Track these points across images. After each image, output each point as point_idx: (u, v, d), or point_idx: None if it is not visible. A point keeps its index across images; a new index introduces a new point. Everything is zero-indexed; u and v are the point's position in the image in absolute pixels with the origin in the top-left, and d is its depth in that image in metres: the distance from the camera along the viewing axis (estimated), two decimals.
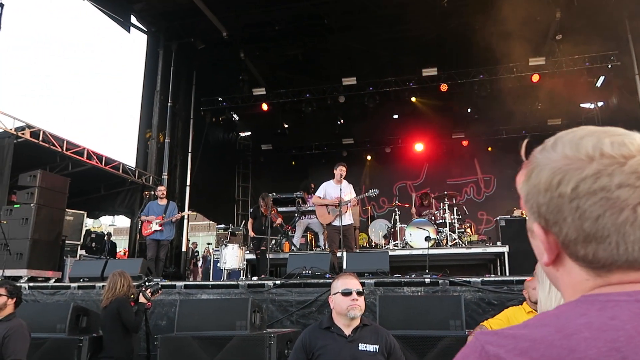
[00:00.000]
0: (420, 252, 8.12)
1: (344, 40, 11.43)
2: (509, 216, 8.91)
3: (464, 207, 9.84)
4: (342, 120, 13.77)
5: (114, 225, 29.09)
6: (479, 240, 9.53)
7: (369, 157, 14.56)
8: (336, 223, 6.89)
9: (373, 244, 9.87)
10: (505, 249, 7.92)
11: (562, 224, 0.61)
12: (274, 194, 9.30)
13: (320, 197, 7.20)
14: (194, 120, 12.43)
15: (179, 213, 8.41)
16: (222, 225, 11.72)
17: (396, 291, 5.21)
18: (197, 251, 15.12)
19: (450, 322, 3.92)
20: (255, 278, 6.83)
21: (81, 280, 6.44)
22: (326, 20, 10.82)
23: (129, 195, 10.63)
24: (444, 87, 11.57)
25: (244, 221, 13.42)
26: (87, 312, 4.78)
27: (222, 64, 12.62)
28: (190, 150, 12.19)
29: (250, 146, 15.78)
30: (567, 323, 0.58)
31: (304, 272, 5.82)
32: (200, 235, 25.48)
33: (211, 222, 18.71)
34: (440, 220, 9.01)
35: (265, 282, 5.71)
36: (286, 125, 13.70)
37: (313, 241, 10.16)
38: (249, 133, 15.68)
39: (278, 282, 5.67)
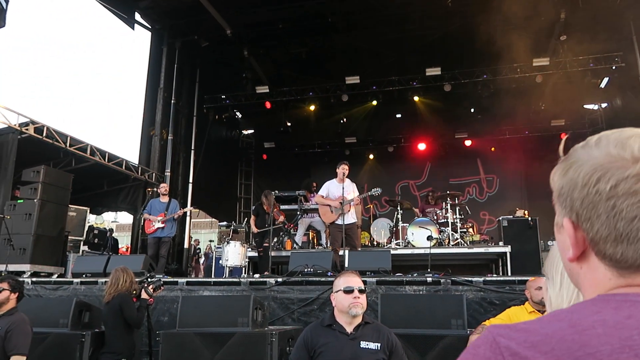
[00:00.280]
0: (422, 251, 8.14)
1: (348, 39, 11.42)
2: (511, 216, 8.91)
3: (467, 207, 9.83)
4: (344, 119, 13.77)
5: (116, 221, 29.18)
6: (481, 240, 9.53)
7: (371, 156, 14.55)
8: (339, 222, 6.90)
9: (375, 243, 9.87)
10: (507, 249, 7.92)
11: (595, 220, 0.61)
12: (277, 192, 9.32)
13: (323, 196, 7.20)
14: (197, 117, 12.45)
15: (180, 210, 8.42)
16: (225, 223, 11.74)
17: (398, 290, 5.21)
18: (199, 248, 15.15)
19: (452, 321, 3.92)
20: (257, 275, 6.84)
21: (84, 275, 6.46)
22: (330, 19, 10.81)
23: (132, 191, 10.66)
24: (447, 87, 11.56)
25: (246, 219, 13.44)
26: (90, 308, 4.79)
27: (226, 61, 12.62)
28: (193, 148, 12.21)
29: (253, 144, 15.79)
30: (580, 319, 0.58)
31: (305, 270, 5.83)
32: (202, 232, 25.51)
33: (213, 219, 18.73)
34: (443, 220, 9.02)
35: (267, 279, 5.72)
36: (289, 124, 13.69)
37: (315, 239, 10.17)
38: (252, 131, 15.69)
39: (280, 279, 5.68)
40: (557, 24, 10.19)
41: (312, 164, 14.77)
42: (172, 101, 11.42)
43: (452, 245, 8.67)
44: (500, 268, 8.38)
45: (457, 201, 9.39)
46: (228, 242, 7.96)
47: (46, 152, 8.51)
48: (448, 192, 9.41)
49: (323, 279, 5.51)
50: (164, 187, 8.51)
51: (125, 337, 4.15)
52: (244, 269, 8.08)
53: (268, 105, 12.69)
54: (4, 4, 8.19)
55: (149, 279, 4.49)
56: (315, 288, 5.40)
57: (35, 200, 7.29)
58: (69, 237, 8.85)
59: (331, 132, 14.20)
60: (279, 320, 5.28)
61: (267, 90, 12.56)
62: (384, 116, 13.52)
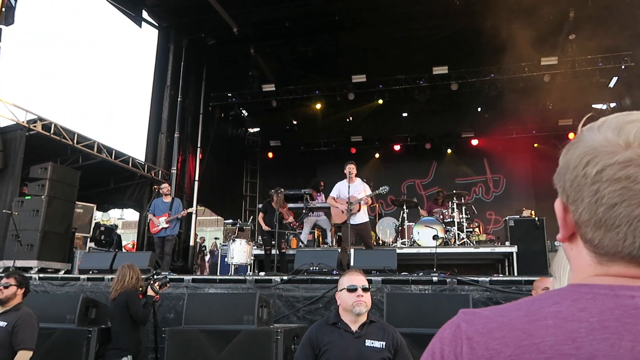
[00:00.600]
0: (428, 250, 8.11)
1: (354, 37, 11.40)
2: (518, 216, 8.86)
3: (473, 206, 9.79)
4: (350, 118, 13.75)
5: (122, 218, 29.32)
6: (487, 240, 9.49)
7: (377, 155, 14.52)
8: (350, 222, 6.93)
9: (381, 242, 9.86)
10: (514, 249, 7.88)
11: (580, 204, 0.62)
12: (282, 190, 9.31)
13: (334, 198, 7.21)
14: (204, 115, 12.48)
15: (184, 210, 8.46)
16: (230, 221, 11.77)
17: (403, 289, 5.20)
18: (205, 246, 15.20)
19: None
20: (262, 273, 6.85)
21: (90, 272, 6.49)
22: (337, 17, 10.79)
23: (138, 188, 10.70)
24: (454, 86, 11.51)
25: (252, 217, 13.47)
26: (97, 304, 4.81)
27: (232, 60, 12.64)
28: (199, 145, 12.24)
29: (258, 142, 15.81)
30: (538, 309, 0.59)
31: (311, 268, 5.83)
32: (207, 230, 25.61)
33: (219, 217, 18.79)
34: (449, 219, 8.98)
35: (273, 277, 5.73)
36: (295, 122, 13.70)
37: (320, 238, 10.17)
38: (258, 129, 15.71)
39: (285, 277, 5.68)
40: (566, 23, 10.11)
41: (318, 162, 14.77)
42: (179, 99, 11.46)
43: (458, 244, 8.64)
44: (507, 268, 8.33)
45: (463, 201, 9.36)
46: (234, 240, 7.98)
47: (54, 149, 8.56)
48: (454, 191, 9.38)
49: (328, 278, 5.50)
50: (166, 187, 8.52)
51: (132, 334, 4.17)
52: (249, 266, 8.09)
53: (274, 103, 12.71)
54: (12, 2, 8.24)
55: (155, 276, 4.51)
56: (321, 286, 5.40)
57: (42, 197, 7.33)
58: (76, 234, 8.90)
59: (337, 131, 14.19)
60: (285, 319, 5.28)
61: (274, 89, 12.57)
62: (390, 115, 13.49)
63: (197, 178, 12.03)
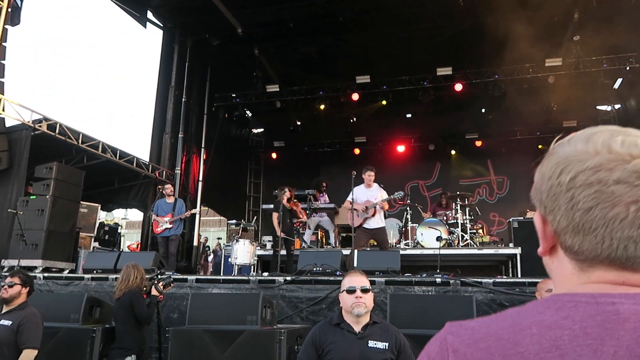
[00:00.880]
0: (431, 252, 8.10)
1: (358, 38, 11.40)
2: (521, 218, 8.83)
3: (477, 207, 9.77)
4: (354, 119, 13.75)
5: (126, 218, 29.42)
6: (490, 242, 9.46)
7: (381, 156, 14.51)
8: (365, 226, 6.95)
9: None
10: (518, 250, 7.85)
11: (557, 212, 0.63)
12: (286, 189, 9.32)
13: (350, 202, 7.24)
14: (208, 116, 12.51)
15: (188, 210, 8.50)
16: (234, 221, 11.79)
17: (407, 290, 5.19)
18: (208, 246, 15.23)
19: None
20: (266, 274, 6.85)
21: (94, 271, 6.52)
22: (341, 18, 10.80)
23: (142, 188, 10.74)
24: (458, 87, 11.50)
25: (255, 217, 13.49)
26: (101, 303, 4.84)
27: (237, 60, 12.67)
28: (203, 146, 12.27)
29: (262, 143, 15.82)
30: (523, 319, 0.60)
31: (314, 269, 5.83)
32: (211, 230, 25.64)
33: (221, 217, 18.82)
34: (452, 221, 8.97)
35: (276, 278, 5.73)
36: (299, 123, 13.71)
37: (324, 239, 10.17)
38: (262, 130, 15.72)
39: (289, 278, 5.68)
40: (571, 24, 10.08)
41: (321, 163, 14.78)
42: (183, 99, 11.49)
43: (462, 246, 8.62)
44: (510, 270, 8.31)
45: (467, 202, 9.34)
46: (237, 240, 7.99)
47: (59, 148, 8.61)
48: (458, 192, 9.36)
49: (332, 278, 5.50)
50: (169, 188, 8.57)
51: (135, 333, 4.18)
52: (252, 267, 8.10)
53: (278, 104, 12.74)
54: (18, 2, 8.29)
55: (159, 276, 4.52)
56: (324, 287, 5.40)
57: (47, 197, 7.37)
58: (80, 233, 8.94)
59: (341, 132, 14.18)
60: (288, 319, 5.28)
61: (278, 89, 12.58)
62: (394, 116, 13.48)
63: (201, 178, 12.06)
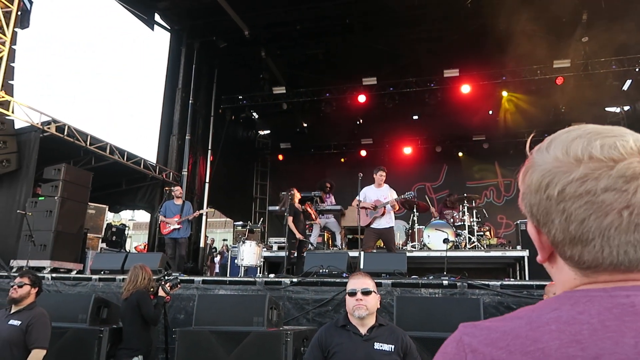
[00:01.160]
0: (438, 254, 8.07)
1: (365, 40, 11.41)
2: None
3: (484, 210, 9.72)
4: (361, 120, 13.73)
5: (133, 219, 29.55)
6: (498, 244, 9.41)
7: (387, 158, 14.48)
8: (374, 226, 6.93)
9: None
10: (526, 253, 7.80)
11: (551, 225, 0.63)
12: (293, 191, 9.32)
13: (360, 201, 7.23)
14: (215, 117, 12.56)
15: (195, 212, 8.55)
16: (240, 223, 11.81)
17: (413, 292, 5.17)
18: (215, 247, 15.27)
19: None
20: (272, 275, 6.85)
21: (102, 272, 6.55)
22: (347, 20, 10.81)
23: (150, 190, 10.79)
24: (465, 89, 11.46)
25: (261, 219, 13.51)
26: (108, 304, 4.86)
27: (243, 62, 12.71)
28: (210, 148, 12.31)
29: (269, 144, 15.86)
30: (539, 317, 0.60)
31: (320, 270, 5.83)
32: (217, 232, 25.69)
33: (227, 219, 18.85)
34: (459, 223, 8.93)
35: (282, 279, 5.73)
36: (305, 125, 13.73)
37: (330, 240, 10.16)
38: (268, 131, 15.75)
39: (295, 280, 5.68)
40: (579, 25, 10.02)
41: (328, 164, 14.77)
42: (190, 101, 11.54)
43: (469, 248, 8.58)
44: (518, 272, 8.26)
45: (474, 204, 9.29)
46: (244, 242, 8.00)
47: (67, 150, 8.67)
48: (465, 194, 9.32)
49: (338, 280, 5.49)
50: (178, 190, 8.65)
51: (142, 334, 4.20)
52: (259, 268, 8.11)
53: (284, 106, 12.76)
54: (28, 6, 8.38)
55: (166, 277, 4.54)
56: (330, 289, 5.40)
57: (56, 198, 7.42)
58: (88, 235, 8.99)
59: (347, 133, 14.18)
60: (294, 321, 5.28)
61: (284, 91, 12.61)
62: (400, 117, 13.45)
63: (207, 180, 12.09)
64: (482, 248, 8.65)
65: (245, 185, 15.08)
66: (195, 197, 11.42)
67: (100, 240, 9.80)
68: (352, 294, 2.83)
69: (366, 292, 2.82)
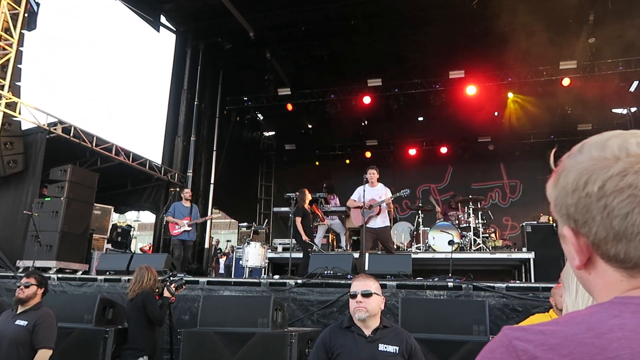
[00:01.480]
0: (443, 255, 8.04)
1: (370, 41, 11.40)
2: (535, 222, 8.74)
3: (489, 211, 9.68)
4: (366, 122, 13.72)
5: (138, 220, 29.64)
6: (503, 246, 9.37)
7: (392, 159, 14.47)
8: (369, 225, 6.91)
9: (395, 247, 9.80)
10: (531, 255, 7.77)
11: (591, 223, 0.62)
12: (297, 194, 9.33)
13: (355, 200, 7.21)
14: (220, 119, 12.59)
15: (208, 215, 8.66)
16: (245, 224, 11.83)
17: (418, 294, 5.16)
18: (220, 248, 15.30)
19: (474, 327, 3.85)
20: (277, 276, 6.86)
21: (107, 273, 6.58)
22: (353, 21, 10.81)
23: (155, 191, 10.84)
24: (470, 90, 11.42)
25: (266, 220, 13.51)
26: (114, 304, 4.88)
27: (248, 63, 12.74)
28: (215, 149, 12.34)
29: (274, 146, 15.87)
30: (599, 323, 0.57)
31: (325, 272, 5.82)
32: (222, 232, 25.73)
33: (232, 220, 18.90)
34: (465, 225, 8.90)
35: (287, 280, 5.73)
36: (310, 126, 13.73)
37: (335, 242, 10.15)
38: (273, 133, 15.78)
39: (300, 281, 5.68)
40: (586, 27, 9.97)
41: (332, 166, 14.77)
42: (195, 102, 11.58)
43: (474, 250, 8.55)
44: (523, 275, 8.22)
45: (479, 206, 9.26)
46: (248, 243, 8.01)
47: (73, 151, 8.72)
48: (470, 196, 9.29)
49: (342, 282, 5.49)
50: (188, 193, 8.75)
51: (148, 334, 4.21)
52: (263, 269, 8.12)
53: (289, 107, 12.75)
54: (35, 8, 8.44)
55: (171, 278, 4.55)
56: (335, 290, 5.39)
57: (62, 199, 7.46)
58: (93, 235, 9.03)
59: (352, 135, 14.17)
60: (299, 322, 5.28)
61: (289, 92, 12.62)
62: (405, 119, 13.43)
63: (212, 181, 12.12)
64: (488, 250, 8.61)
65: (250, 187, 15.10)
66: (200, 198, 11.45)
67: (105, 241, 9.84)
68: (353, 296, 2.83)
69: (366, 294, 2.81)
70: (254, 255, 7.80)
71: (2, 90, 7.48)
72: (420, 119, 13.72)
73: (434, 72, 11.69)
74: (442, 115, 12.85)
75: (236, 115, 13.33)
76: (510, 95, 12.05)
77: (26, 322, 3.59)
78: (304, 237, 7.46)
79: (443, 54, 11.18)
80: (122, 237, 10.57)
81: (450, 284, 5.16)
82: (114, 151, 9.32)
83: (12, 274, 6.63)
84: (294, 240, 7.86)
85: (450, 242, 7.60)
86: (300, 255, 8.05)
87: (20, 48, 7.97)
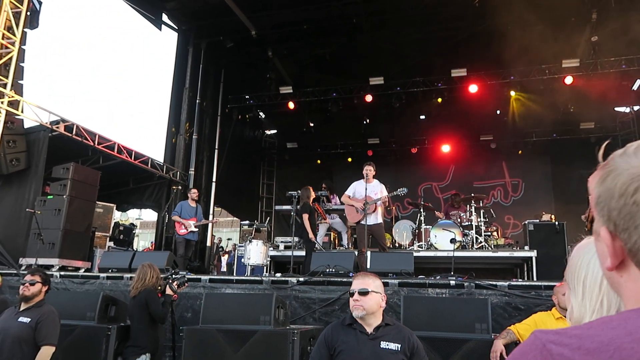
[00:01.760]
0: (445, 254, 8.04)
1: (372, 40, 11.39)
2: (537, 220, 8.73)
3: (491, 210, 9.67)
4: (368, 120, 13.72)
5: (140, 218, 29.68)
6: (505, 244, 9.36)
7: (394, 158, 14.45)
8: (363, 222, 6.89)
9: (397, 245, 9.81)
10: (533, 253, 7.76)
11: (633, 232, 0.60)
12: (299, 192, 9.34)
13: (349, 196, 7.18)
14: (221, 117, 12.60)
15: (210, 218, 8.77)
16: (247, 222, 11.84)
17: (420, 292, 5.16)
18: (222, 247, 15.33)
19: (476, 325, 3.85)
20: (278, 274, 6.86)
21: (110, 270, 6.59)
22: (355, 20, 10.79)
23: (157, 189, 10.85)
24: (473, 89, 11.40)
25: (268, 218, 13.53)
26: (116, 302, 4.89)
27: (250, 62, 12.74)
28: (216, 147, 12.35)
29: (275, 144, 15.88)
30: (637, 327, 0.56)
31: (327, 270, 5.83)
32: (223, 231, 25.76)
33: (234, 218, 18.90)
34: (467, 223, 8.89)
35: (289, 278, 5.74)
36: (312, 124, 13.72)
37: (336, 240, 10.16)
38: (275, 131, 15.77)
39: (302, 279, 5.69)
40: (589, 25, 9.94)
41: (334, 164, 14.77)
42: (197, 101, 11.59)
43: (476, 248, 8.54)
44: (526, 273, 8.21)
45: (481, 204, 9.25)
46: (250, 241, 8.02)
47: (75, 149, 8.73)
48: (472, 194, 9.28)
49: (344, 280, 5.49)
50: (195, 193, 8.89)
51: (150, 332, 4.22)
52: (265, 267, 8.12)
53: (291, 105, 12.75)
54: (37, 6, 8.45)
55: (174, 276, 4.56)
56: (337, 288, 5.39)
57: (64, 197, 7.48)
58: (96, 233, 9.05)
59: (354, 133, 14.16)
60: (301, 320, 5.28)
61: (291, 91, 12.62)
62: (407, 117, 13.42)
63: (214, 179, 12.13)
64: (490, 248, 8.61)
65: (252, 185, 15.11)
66: (202, 196, 11.46)
67: (108, 238, 9.86)
68: (351, 294, 2.84)
69: (363, 293, 2.81)
70: (256, 253, 7.81)
71: (5, 88, 7.49)
72: (422, 117, 13.70)
73: (436, 70, 11.66)
74: (444, 113, 12.83)
75: (238, 113, 13.33)
76: (512, 93, 12.03)
77: (29, 319, 3.61)
78: (311, 235, 7.46)
79: (445, 52, 11.17)
80: (124, 235, 10.59)
81: (453, 282, 5.16)
82: (116, 149, 9.33)
83: (15, 272, 6.65)
84: (296, 238, 7.87)
85: (452, 241, 7.59)
86: (301, 253, 8.07)
87: (23, 46, 7.98)
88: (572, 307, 1.07)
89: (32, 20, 8.32)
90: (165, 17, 11.42)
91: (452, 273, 5.72)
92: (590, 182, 0.67)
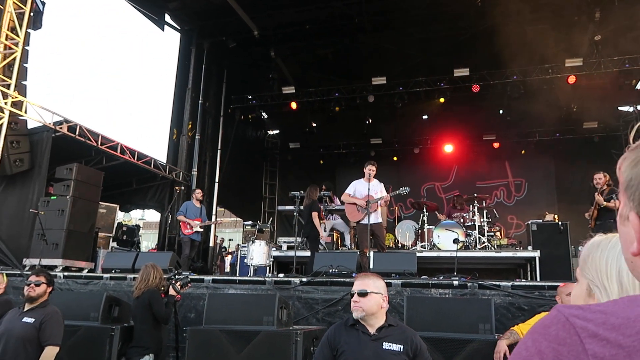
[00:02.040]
0: (448, 254, 8.03)
1: (374, 40, 11.38)
2: (540, 220, 8.70)
3: (494, 210, 9.65)
4: (370, 120, 13.71)
5: (143, 219, 29.74)
6: (508, 244, 9.34)
7: (396, 158, 14.44)
8: (365, 221, 6.87)
9: (400, 245, 9.80)
10: (537, 253, 7.74)
11: None
12: (301, 192, 9.33)
13: (349, 195, 7.17)
14: (224, 117, 12.61)
15: (214, 219, 8.81)
16: (250, 222, 11.85)
17: (423, 293, 5.15)
18: (225, 247, 15.34)
19: (480, 326, 3.84)
20: (281, 275, 6.86)
21: (113, 271, 6.61)
22: (357, 20, 10.78)
23: (160, 190, 10.87)
24: (475, 88, 11.38)
25: (271, 218, 13.54)
26: (119, 302, 4.90)
27: (253, 62, 12.75)
28: (219, 147, 12.36)
29: (278, 144, 15.88)
30: None
31: (330, 270, 5.82)
32: (226, 231, 25.78)
33: (237, 218, 18.92)
34: (470, 223, 8.88)
35: (292, 279, 5.74)
36: (314, 124, 13.72)
37: (339, 240, 10.15)
38: (278, 131, 15.78)
39: (304, 279, 5.68)
40: (592, 24, 9.91)
41: (337, 164, 14.77)
42: (200, 101, 11.60)
43: (479, 248, 8.53)
44: (529, 273, 8.19)
45: (484, 204, 9.23)
46: (253, 242, 8.04)
47: (79, 150, 8.76)
48: (475, 194, 9.26)
49: (347, 280, 5.49)
50: (200, 194, 8.91)
51: (153, 332, 4.23)
52: (268, 268, 8.13)
53: (294, 105, 12.75)
54: (40, 7, 8.47)
55: (177, 276, 4.56)
56: (340, 289, 5.39)
57: (67, 197, 7.50)
58: (99, 234, 9.07)
59: (356, 133, 14.15)
60: (304, 320, 5.28)
61: (293, 91, 12.62)
62: (410, 117, 13.40)
63: (217, 180, 12.15)
64: (493, 248, 8.59)
65: (255, 185, 15.12)
66: (204, 196, 11.47)
67: (111, 239, 9.88)
68: (352, 295, 2.84)
69: (362, 294, 2.80)
70: (259, 253, 7.82)
71: (9, 89, 7.52)
72: (425, 117, 13.69)
73: (439, 70, 11.64)
74: (447, 113, 12.81)
75: (240, 113, 13.35)
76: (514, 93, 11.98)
77: (33, 320, 3.62)
78: (322, 234, 7.44)
79: (448, 52, 11.15)
80: (127, 236, 10.61)
81: (456, 283, 5.15)
82: (119, 150, 9.35)
83: (19, 272, 6.67)
84: (299, 239, 7.87)
85: (455, 241, 7.58)
86: (304, 253, 8.08)
87: (26, 47, 8.01)
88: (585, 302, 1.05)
89: (36, 21, 8.34)
90: (167, 18, 11.44)
91: (455, 273, 5.70)
92: (620, 164, 0.65)
